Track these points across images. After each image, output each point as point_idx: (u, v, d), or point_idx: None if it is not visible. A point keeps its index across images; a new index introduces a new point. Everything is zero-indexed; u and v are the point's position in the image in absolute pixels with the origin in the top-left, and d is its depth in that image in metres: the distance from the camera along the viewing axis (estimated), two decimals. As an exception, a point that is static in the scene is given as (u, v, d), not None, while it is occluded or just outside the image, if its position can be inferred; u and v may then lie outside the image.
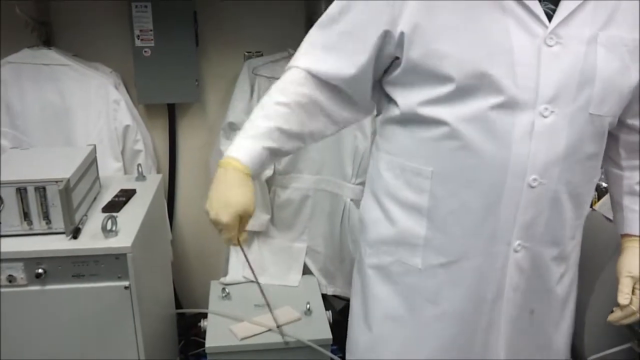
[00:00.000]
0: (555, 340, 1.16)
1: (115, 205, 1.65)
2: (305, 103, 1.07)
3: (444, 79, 0.97)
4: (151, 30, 2.03)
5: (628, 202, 1.14)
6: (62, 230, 1.45)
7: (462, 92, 0.97)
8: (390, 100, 1.09)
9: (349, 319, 1.23)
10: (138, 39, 2.04)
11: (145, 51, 2.05)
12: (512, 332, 1.09)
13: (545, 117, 0.96)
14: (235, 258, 2.17)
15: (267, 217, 2.11)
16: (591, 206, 2.33)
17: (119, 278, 1.44)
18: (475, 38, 0.95)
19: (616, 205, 1.18)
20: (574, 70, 0.96)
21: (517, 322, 1.08)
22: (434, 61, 0.97)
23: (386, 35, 1.00)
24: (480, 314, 1.07)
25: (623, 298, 1.07)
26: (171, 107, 2.19)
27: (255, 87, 2.02)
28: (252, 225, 2.10)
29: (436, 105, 1.00)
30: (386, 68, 1.07)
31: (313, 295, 2.03)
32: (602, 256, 1.30)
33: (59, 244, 1.42)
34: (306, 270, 2.16)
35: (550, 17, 0.96)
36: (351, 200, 2.06)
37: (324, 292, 2.13)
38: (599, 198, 2.48)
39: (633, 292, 1.08)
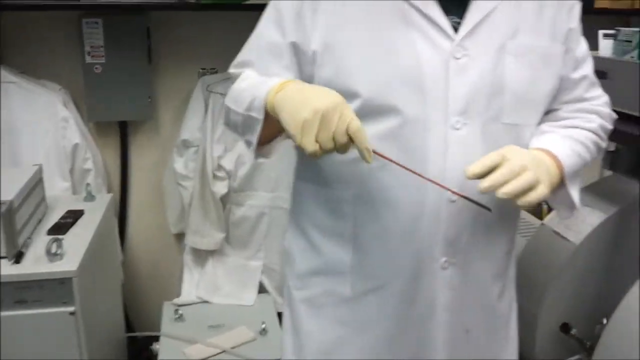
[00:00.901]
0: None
1: (61, 227, 1.60)
2: None
3: (352, 95, 0.95)
4: (102, 47, 2.00)
5: (533, 139, 1.03)
6: (4, 255, 1.39)
7: (373, 110, 0.95)
8: None
9: (281, 355, 1.19)
10: (89, 55, 2.00)
11: (96, 68, 2.01)
12: (451, 354, 1.05)
13: (457, 129, 0.95)
14: (189, 277, 2.13)
15: (221, 235, 2.08)
16: (540, 219, 2.40)
17: (64, 303, 1.39)
18: (382, 54, 0.94)
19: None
20: (484, 82, 0.95)
21: (455, 343, 1.05)
22: (343, 79, 0.95)
23: (297, 50, 0.99)
24: (413, 337, 1.04)
25: (468, 169, 0.89)
26: (123, 124, 2.15)
27: (210, 104, 2.01)
28: (206, 244, 2.08)
29: None
30: None
31: (269, 314, 2.01)
32: (551, 269, 1.33)
33: (1, 268, 1.36)
34: (262, 289, 2.14)
35: (457, 30, 0.95)
36: (307, 217, 2.04)
37: (280, 310, 2.09)
38: (549, 211, 2.56)
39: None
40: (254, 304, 2.07)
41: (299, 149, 1.08)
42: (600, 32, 1.50)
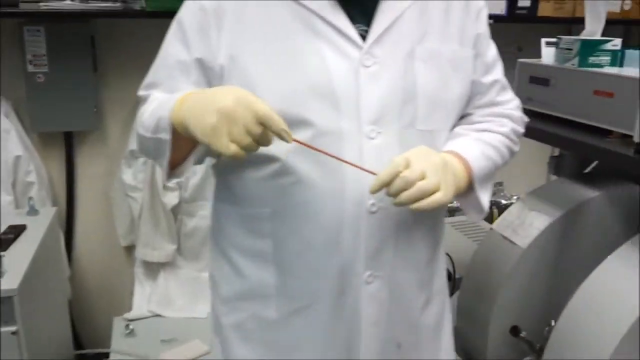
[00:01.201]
0: None
1: (2, 244, 1.54)
2: None
3: None
4: (44, 55, 1.93)
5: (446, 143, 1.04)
6: (-62, 273, 1.33)
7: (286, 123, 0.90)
8: None
9: None
10: (30, 64, 1.94)
11: (38, 77, 1.95)
12: None
13: (372, 138, 0.93)
14: (140, 291, 2.08)
15: (173, 247, 2.04)
16: (490, 222, 2.44)
17: (6, 323, 1.34)
18: (289, 65, 0.93)
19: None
20: (395, 88, 0.94)
21: (387, 358, 1.03)
22: (251, 91, 0.89)
23: (203, 65, 0.96)
24: (342, 355, 1.01)
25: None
26: (68, 135, 2.08)
27: (158, 114, 1.96)
28: (157, 256, 2.03)
29: None
30: None
31: (223, 327, 1.96)
32: (500, 273, 1.34)
33: None
34: (216, 301, 2.09)
35: (365, 38, 0.94)
36: (260, 227, 2.02)
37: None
38: (499, 214, 2.61)
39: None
40: (208, 317, 2.02)
41: (216, 166, 1.06)
42: (543, 40, 1.54)
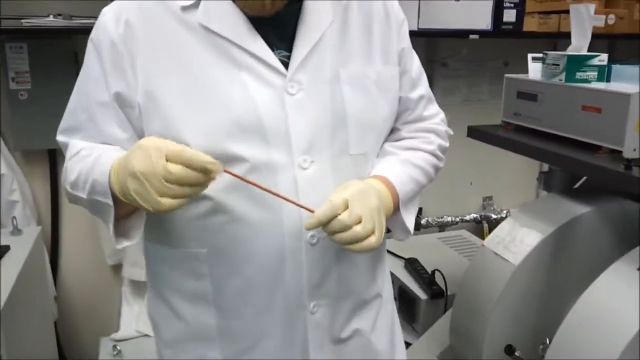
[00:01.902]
0: None
1: (-16, 265, 1.50)
2: None
3: (179, 141, 0.83)
4: (27, 72, 1.90)
5: (375, 162, 1.02)
6: None
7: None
8: None
9: None
10: (13, 81, 1.90)
11: (21, 94, 1.92)
12: None
13: (305, 168, 0.90)
14: (128, 310, 2.04)
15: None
16: (482, 237, 2.44)
17: (-10, 347, 1.30)
18: (211, 99, 0.87)
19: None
20: (324, 115, 0.91)
21: None
22: (172, 131, 0.87)
23: (121, 99, 0.90)
24: None
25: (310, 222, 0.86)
26: (52, 153, 2.05)
27: (144, 131, 1.94)
28: (139, 275, 1.99)
29: None
30: None
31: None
32: (493, 291, 1.34)
33: None
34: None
35: (287, 66, 0.90)
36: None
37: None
38: (490, 228, 2.61)
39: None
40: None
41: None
42: (529, 56, 1.55)
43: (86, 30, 1.86)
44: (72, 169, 0.91)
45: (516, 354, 1.30)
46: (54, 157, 2.05)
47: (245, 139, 0.88)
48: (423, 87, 1.06)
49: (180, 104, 0.88)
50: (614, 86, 1.33)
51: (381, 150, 1.02)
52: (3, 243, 1.63)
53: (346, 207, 0.85)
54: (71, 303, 2.19)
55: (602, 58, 1.41)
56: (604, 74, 1.41)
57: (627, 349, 1.01)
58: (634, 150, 1.21)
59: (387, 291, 1.10)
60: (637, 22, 2.39)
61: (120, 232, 0.89)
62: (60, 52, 1.92)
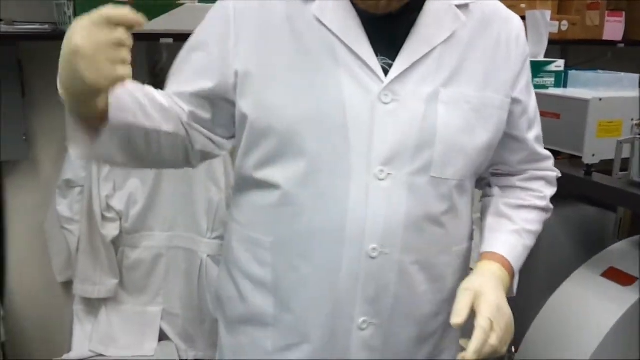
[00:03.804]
0: None
1: None
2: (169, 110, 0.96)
3: (269, 131, 0.90)
4: (-33, 80, 1.80)
5: (491, 222, 1.05)
6: None
7: (290, 149, 0.90)
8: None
9: None
10: (-48, 89, 1.80)
11: (-38, 103, 1.81)
12: None
13: (381, 179, 0.89)
14: (80, 329, 1.96)
15: (114, 281, 1.92)
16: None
17: None
18: (305, 91, 0.89)
19: (482, 229, 1.07)
20: (412, 130, 0.89)
21: None
22: (263, 112, 0.91)
23: (222, 85, 0.94)
24: None
25: (455, 316, 0.87)
26: (-5, 166, 1.94)
27: (94, 141, 1.86)
28: (97, 292, 1.91)
29: (269, 167, 0.93)
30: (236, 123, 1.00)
31: (172, 363, 1.87)
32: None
33: None
34: (163, 336, 1.99)
35: (387, 73, 0.89)
36: (208, 256, 1.94)
37: (184, 357, 1.98)
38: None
39: (478, 311, 0.88)
40: (155, 354, 1.92)
41: (232, 189, 1.05)
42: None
43: (31, 37, 1.81)
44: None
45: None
46: (-1, 170, 1.95)
47: (326, 136, 0.88)
48: (538, 126, 1.04)
49: (272, 89, 0.90)
50: (572, 92, 1.34)
51: (495, 207, 1.04)
52: (-58, 263, 1.53)
53: (492, 329, 0.86)
54: (20, 323, 2.09)
55: (559, 64, 1.42)
56: (561, 79, 1.42)
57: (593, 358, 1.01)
58: (593, 155, 1.21)
59: (454, 334, 1.06)
60: (589, 28, 2.44)
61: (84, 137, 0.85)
62: (3, 59, 1.81)
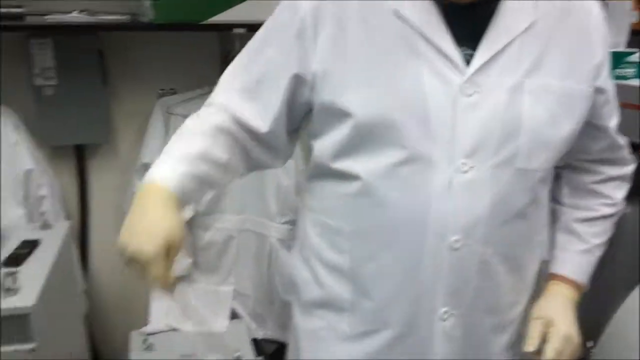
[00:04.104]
0: None
1: (16, 259, 1.51)
2: (225, 138, 0.97)
3: (347, 124, 0.90)
4: (53, 68, 1.90)
5: (562, 239, 1.08)
6: (-46, 292, 1.31)
7: (370, 144, 0.90)
8: (311, 153, 1.04)
9: None
10: (39, 77, 1.91)
11: (47, 90, 1.92)
12: None
13: (464, 172, 0.88)
14: (158, 305, 2.05)
15: (189, 260, 2.01)
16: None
17: (22, 341, 1.31)
18: (384, 85, 0.88)
19: (552, 242, 1.09)
20: (495, 122, 0.87)
21: None
22: (342, 108, 0.90)
23: (297, 79, 0.94)
24: None
25: (528, 344, 0.96)
26: (79, 148, 2.06)
27: (170, 126, 1.94)
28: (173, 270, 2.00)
29: (347, 157, 0.93)
30: (303, 116, 1.02)
31: (242, 341, 1.94)
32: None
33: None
34: (234, 315, 2.07)
35: (469, 63, 0.87)
36: (277, 240, 2.00)
37: (255, 336, 2.05)
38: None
39: (548, 340, 0.97)
40: (227, 331, 2.00)
41: (305, 176, 1.08)
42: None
43: (110, 27, 1.90)
44: (184, 126, 0.99)
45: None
46: (82, 153, 2.07)
47: (407, 128, 0.87)
48: (618, 114, 1.03)
49: (352, 83, 0.89)
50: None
51: (565, 223, 1.07)
52: (33, 237, 1.64)
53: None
54: (101, 296, 2.22)
55: (641, 55, 1.36)
56: (643, 70, 1.36)
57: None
58: (676, 148, 1.16)
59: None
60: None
61: None
62: (85, 49, 1.92)
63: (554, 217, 1.11)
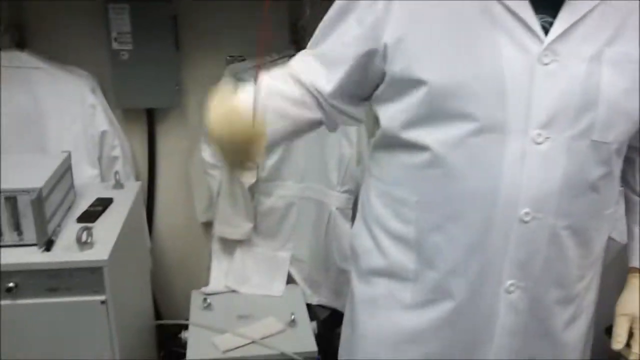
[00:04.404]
0: None
1: (91, 215, 1.59)
2: (295, 84, 1.01)
3: (420, 93, 0.89)
4: (129, 33, 1.97)
5: (637, 230, 1.05)
6: (34, 242, 1.39)
7: (442, 113, 0.89)
8: (378, 123, 1.04)
9: (340, 347, 1.18)
10: (115, 41, 1.98)
11: (122, 54, 1.99)
12: None
13: (538, 143, 0.87)
14: (217, 266, 2.12)
15: (250, 225, 2.06)
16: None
17: (95, 292, 1.38)
18: (460, 54, 0.87)
19: (629, 233, 1.08)
20: (573, 92, 0.85)
21: None
22: (415, 77, 0.90)
23: (371, 52, 0.94)
24: (461, 356, 1.00)
25: (615, 342, 0.99)
26: (150, 112, 2.13)
27: (238, 93, 1.97)
28: (234, 233, 2.06)
29: (417, 127, 0.92)
30: (375, 86, 1.01)
31: (297, 305, 1.98)
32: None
33: (31, 256, 1.36)
34: (290, 280, 2.11)
35: (547, 32, 0.86)
36: (336, 208, 2.01)
37: (309, 301, 2.08)
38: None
39: (632, 337, 1.00)
40: (283, 295, 2.05)
41: (371, 146, 1.07)
42: None
43: None
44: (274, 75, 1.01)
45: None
46: (152, 116, 2.13)
47: (482, 99, 0.86)
48: None
49: (426, 52, 0.88)
50: None
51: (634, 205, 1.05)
52: (106, 196, 1.72)
53: None
54: (164, 256, 2.30)
55: None
56: None
57: None
58: None
59: (592, 295, 1.07)
60: None
61: None
62: (160, 15, 1.96)
63: (628, 206, 1.08)
